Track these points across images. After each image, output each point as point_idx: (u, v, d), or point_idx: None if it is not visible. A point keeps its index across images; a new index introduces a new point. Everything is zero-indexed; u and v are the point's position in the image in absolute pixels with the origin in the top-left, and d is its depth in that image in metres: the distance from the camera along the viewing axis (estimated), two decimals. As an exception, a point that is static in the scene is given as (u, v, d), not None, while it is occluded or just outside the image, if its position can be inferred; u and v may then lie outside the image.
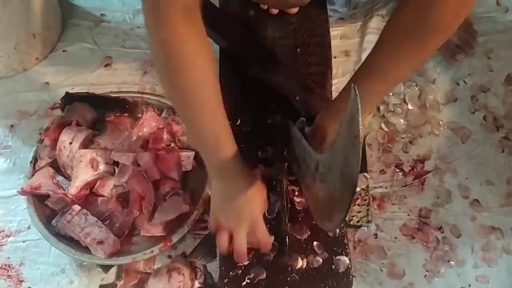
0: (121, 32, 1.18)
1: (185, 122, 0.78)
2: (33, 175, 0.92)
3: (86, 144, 0.91)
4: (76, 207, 0.88)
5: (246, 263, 0.86)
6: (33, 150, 0.95)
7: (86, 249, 0.88)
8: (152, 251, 0.88)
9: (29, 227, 0.96)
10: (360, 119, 0.47)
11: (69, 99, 0.98)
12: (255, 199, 0.79)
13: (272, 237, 0.81)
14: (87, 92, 1.01)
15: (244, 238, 0.78)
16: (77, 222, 0.87)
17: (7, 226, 0.97)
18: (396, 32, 0.67)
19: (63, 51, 1.16)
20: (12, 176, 1.01)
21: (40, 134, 1.04)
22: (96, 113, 0.97)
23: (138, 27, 1.19)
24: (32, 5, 1.04)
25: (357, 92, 0.49)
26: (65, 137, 0.91)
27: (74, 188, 0.89)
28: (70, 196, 0.88)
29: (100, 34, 1.18)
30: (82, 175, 0.89)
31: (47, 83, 1.11)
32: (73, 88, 1.09)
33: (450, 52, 1.12)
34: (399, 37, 0.66)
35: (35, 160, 0.94)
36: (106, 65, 1.14)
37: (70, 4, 1.21)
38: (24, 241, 0.96)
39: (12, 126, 1.06)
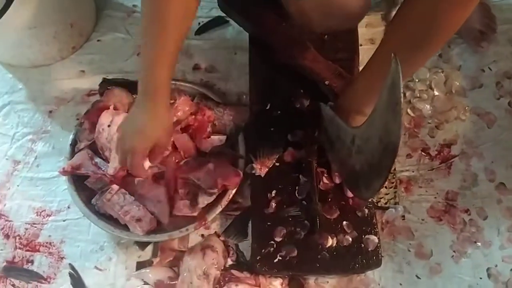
0: (153, 22, 1.22)
1: (143, 34, 0.78)
2: (72, 156, 0.96)
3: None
4: (115, 187, 0.92)
5: (278, 240, 0.89)
6: (73, 133, 0.99)
7: (124, 227, 0.92)
8: (187, 230, 0.91)
9: (68, 207, 1.01)
10: (401, 87, 0.50)
11: (107, 84, 1.02)
12: (150, 133, 0.80)
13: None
14: (123, 78, 1.05)
15: (123, 157, 0.81)
16: (116, 201, 0.91)
17: (48, 206, 1.02)
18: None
19: (98, 40, 1.20)
20: (51, 159, 1.06)
21: (77, 119, 1.09)
22: (132, 98, 1.01)
23: (169, 17, 1.23)
24: (70, -3, 1.09)
25: (398, 61, 0.52)
26: (103, 120, 0.95)
27: (112, 168, 0.92)
28: (109, 176, 0.92)
29: (132, 24, 1.22)
30: (116, 158, 0.93)
31: (83, 71, 1.16)
32: (107, 76, 1.12)
33: (474, 40, 1.14)
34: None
35: (74, 142, 0.98)
36: (138, 54, 1.17)
37: (104, -4, 1.25)
38: (64, 220, 1.00)
39: (50, 112, 1.11)
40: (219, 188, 0.92)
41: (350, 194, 0.89)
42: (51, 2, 1.04)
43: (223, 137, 0.99)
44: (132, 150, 0.80)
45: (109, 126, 0.94)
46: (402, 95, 0.50)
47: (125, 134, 0.82)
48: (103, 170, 0.94)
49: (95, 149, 0.98)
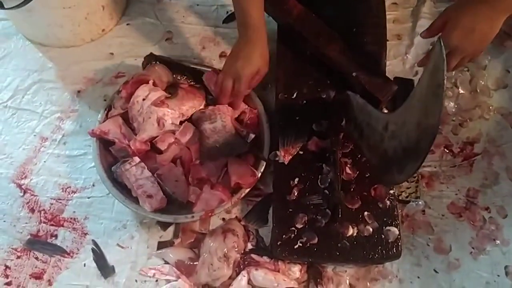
0: (182, 8, 1.24)
1: None
2: (104, 121, 0.99)
3: (157, 103, 0.97)
4: (136, 159, 0.94)
5: (299, 227, 0.90)
6: (109, 99, 1.01)
7: (135, 200, 0.93)
8: (192, 216, 0.91)
9: (93, 185, 1.03)
10: (445, 69, 0.51)
11: (152, 58, 1.04)
12: (254, 60, 0.94)
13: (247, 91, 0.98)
14: (168, 57, 1.07)
15: (229, 82, 0.95)
16: (134, 172, 0.93)
17: (73, 183, 1.04)
18: None
19: (127, 24, 1.22)
20: (78, 137, 1.08)
21: (104, 100, 1.11)
22: (172, 77, 1.03)
23: (198, 5, 1.24)
24: (104, -22, 1.11)
25: (442, 44, 0.52)
26: (140, 92, 0.97)
27: (138, 140, 0.95)
28: (133, 148, 0.94)
29: (162, 10, 1.23)
30: (148, 130, 0.95)
31: (112, 53, 1.17)
32: (136, 59, 1.15)
33: (499, 39, 1.14)
34: None
35: (109, 108, 1.00)
36: (167, 39, 1.19)
37: (135, -20, 1.27)
38: (88, 197, 1.02)
39: (79, 91, 1.13)
40: (232, 186, 0.94)
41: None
42: (86, -17, 1.06)
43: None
44: (239, 75, 0.94)
45: (143, 99, 0.96)
46: (445, 77, 0.51)
47: (232, 61, 0.95)
48: (129, 141, 0.95)
49: (126, 118, 1.00)
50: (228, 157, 0.96)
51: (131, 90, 0.97)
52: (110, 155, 0.97)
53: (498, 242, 0.95)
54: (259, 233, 0.98)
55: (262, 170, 0.96)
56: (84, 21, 1.12)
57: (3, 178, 1.04)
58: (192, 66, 1.06)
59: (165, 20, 1.22)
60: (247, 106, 1.02)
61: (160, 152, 0.97)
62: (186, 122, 0.98)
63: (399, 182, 0.88)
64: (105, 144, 0.98)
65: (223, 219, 0.99)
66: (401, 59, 1.15)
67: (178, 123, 0.97)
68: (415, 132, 0.59)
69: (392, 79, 1.05)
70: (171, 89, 1.00)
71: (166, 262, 0.95)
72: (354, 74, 0.97)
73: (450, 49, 0.84)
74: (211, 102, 1.03)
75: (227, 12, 1.23)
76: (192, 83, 1.05)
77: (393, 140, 0.66)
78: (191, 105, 0.99)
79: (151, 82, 0.97)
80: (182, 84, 1.02)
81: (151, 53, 1.05)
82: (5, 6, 1.03)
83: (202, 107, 1.01)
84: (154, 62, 1.03)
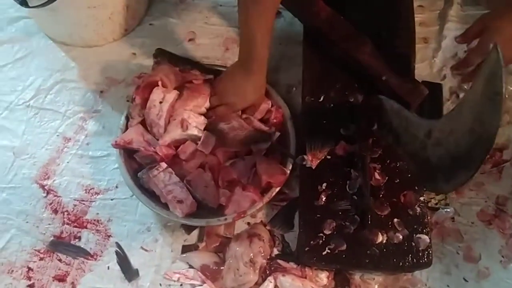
0: (205, 9, 1.22)
1: (242, 18, 0.89)
2: (125, 131, 0.97)
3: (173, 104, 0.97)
4: (164, 164, 0.93)
5: (327, 233, 0.89)
6: (127, 107, 1.00)
7: (164, 206, 0.92)
8: (226, 219, 0.90)
9: (117, 187, 1.02)
10: (503, 77, 0.49)
11: (160, 53, 1.04)
12: (250, 97, 0.97)
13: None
14: (175, 54, 1.07)
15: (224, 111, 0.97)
16: (162, 178, 0.92)
17: (97, 184, 1.03)
18: None
19: (150, 24, 1.20)
20: (101, 138, 1.07)
21: (127, 100, 1.10)
22: (180, 75, 1.01)
23: (221, 5, 1.23)
24: (128, -22, 1.10)
25: (499, 50, 0.51)
26: (155, 96, 0.95)
27: (162, 141, 0.93)
28: (160, 154, 0.93)
29: (185, 10, 1.22)
30: (171, 132, 0.94)
31: (134, 53, 1.16)
32: (158, 59, 1.13)
33: None
34: None
35: (127, 118, 0.99)
36: (189, 40, 1.18)
37: (157, -20, 1.26)
38: (112, 199, 1.01)
39: (101, 92, 1.12)
40: (263, 185, 0.93)
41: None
42: (111, -17, 1.05)
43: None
44: (231, 105, 0.97)
45: (160, 102, 0.95)
46: (503, 85, 0.50)
47: (227, 91, 0.97)
48: (154, 148, 0.94)
49: (145, 125, 0.98)
50: (254, 152, 0.96)
51: (144, 95, 0.96)
52: (134, 161, 0.96)
53: (528, 251, 0.94)
54: (285, 238, 0.96)
55: (290, 168, 0.95)
56: (108, 21, 1.11)
57: (26, 178, 1.03)
58: (205, 64, 1.07)
59: (188, 20, 1.21)
60: (273, 105, 1.01)
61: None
62: (205, 132, 0.96)
63: (446, 191, 0.86)
64: (128, 153, 0.96)
65: (248, 223, 0.98)
66: (428, 63, 1.13)
67: (202, 128, 0.96)
68: (467, 140, 0.57)
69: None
70: (178, 89, 0.99)
71: (191, 266, 0.94)
72: (383, 77, 0.95)
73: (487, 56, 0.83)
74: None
75: (251, 13, 1.21)
76: (200, 76, 1.03)
77: (438, 147, 0.65)
78: (195, 104, 0.98)
79: (160, 83, 0.96)
80: (187, 84, 1.01)
81: (159, 48, 1.05)
82: (30, 5, 1.02)
83: (207, 103, 0.99)
84: (158, 59, 1.03)
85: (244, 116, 1.00)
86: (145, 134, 0.97)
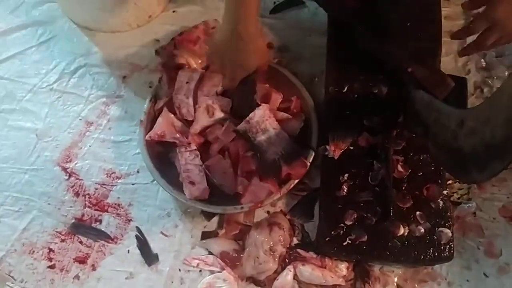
0: (229, -3, 1.22)
1: None
2: (150, 113, 0.99)
3: (200, 84, 0.98)
4: (193, 146, 0.93)
5: (349, 223, 0.89)
6: (150, 92, 1.01)
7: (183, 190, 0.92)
8: (242, 207, 0.91)
9: (138, 171, 1.02)
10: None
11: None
12: (253, 64, 0.88)
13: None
14: None
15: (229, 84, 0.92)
16: (186, 156, 0.93)
17: (118, 168, 1.03)
18: None
19: (173, 11, 1.20)
20: (123, 123, 1.07)
21: (150, 87, 1.10)
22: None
23: (245, -6, 1.22)
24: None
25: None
26: (182, 77, 0.97)
27: (193, 130, 0.95)
28: (192, 143, 0.94)
29: (208, -3, 1.22)
30: (200, 120, 0.95)
31: (158, 40, 1.16)
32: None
33: None
34: None
35: (154, 98, 1.00)
36: (213, 27, 1.16)
37: (183, -33, 1.25)
38: (133, 184, 1.01)
39: (124, 77, 1.12)
40: (283, 176, 0.92)
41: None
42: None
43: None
44: (233, 76, 0.89)
45: (187, 82, 0.97)
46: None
47: (226, 61, 0.87)
48: (187, 138, 0.95)
49: (171, 107, 0.99)
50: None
51: (171, 74, 0.99)
52: (159, 144, 0.97)
53: (551, 248, 0.93)
54: (305, 228, 0.96)
55: (311, 160, 0.94)
56: (133, 6, 1.11)
57: (48, 161, 1.04)
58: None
59: (212, 8, 1.20)
60: (293, 95, 1.01)
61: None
62: (227, 122, 0.95)
63: (480, 181, 0.86)
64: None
65: (268, 212, 0.98)
66: (453, 57, 1.12)
67: (228, 111, 0.96)
68: (504, 129, 0.57)
69: (447, 76, 1.03)
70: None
71: (210, 253, 0.95)
72: (409, 69, 0.94)
73: (491, 23, 0.84)
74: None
75: (274, 3, 1.21)
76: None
77: (472, 137, 0.64)
78: (212, 83, 0.98)
79: (186, 67, 0.99)
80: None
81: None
82: (56, -11, 1.03)
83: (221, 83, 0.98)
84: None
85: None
86: (175, 121, 0.97)
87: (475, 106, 0.67)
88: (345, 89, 1.00)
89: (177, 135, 0.96)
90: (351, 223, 0.89)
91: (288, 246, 0.93)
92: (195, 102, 0.98)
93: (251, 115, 0.92)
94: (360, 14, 1.01)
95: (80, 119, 1.08)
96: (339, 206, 0.91)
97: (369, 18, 1.01)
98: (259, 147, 0.91)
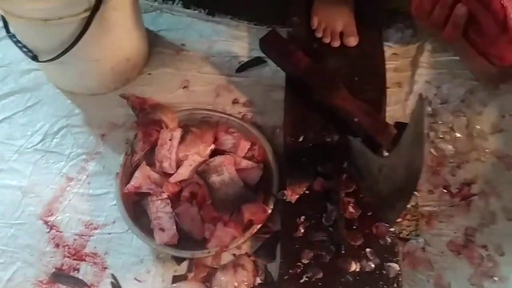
0: (199, 59, 1.35)
1: None
2: (126, 166, 1.09)
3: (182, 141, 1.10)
4: (165, 195, 1.03)
5: (305, 262, 0.96)
6: (129, 144, 1.13)
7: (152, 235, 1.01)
8: (209, 252, 0.99)
9: (114, 222, 1.10)
10: (425, 121, 0.59)
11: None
12: None
13: None
14: None
15: None
16: (158, 204, 1.02)
17: (95, 220, 1.11)
18: None
19: (148, 74, 1.33)
20: (101, 178, 1.16)
21: (126, 143, 1.20)
22: (176, 112, 1.15)
23: (213, 56, 1.35)
24: (129, 35, 1.23)
25: (422, 99, 0.61)
26: (164, 135, 1.09)
27: (173, 178, 1.05)
28: (166, 192, 1.04)
29: (180, 60, 1.34)
30: (181, 174, 1.06)
31: (134, 100, 1.28)
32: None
33: (493, 83, 1.21)
34: None
35: (130, 153, 1.11)
36: (184, 87, 1.29)
37: (156, 35, 1.39)
38: (109, 234, 1.09)
39: (103, 135, 1.23)
40: (245, 222, 1.01)
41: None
42: (113, 39, 1.17)
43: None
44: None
45: (170, 140, 1.08)
46: (425, 128, 0.59)
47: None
48: (162, 188, 1.05)
49: (148, 160, 1.10)
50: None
51: (145, 130, 1.10)
52: (135, 193, 1.07)
53: (496, 279, 0.99)
54: (268, 268, 1.03)
55: (272, 206, 1.03)
56: (110, 71, 1.23)
57: (32, 215, 1.13)
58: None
59: (183, 70, 1.33)
60: (256, 144, 1.12)
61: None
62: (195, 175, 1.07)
63: (391, 220, 0.94)
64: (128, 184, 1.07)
65: (234, 254, 1.05)
66: (401, 105, 1.23)
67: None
68: (404, 174, 0.66)
69: (394, 123, 1.13)
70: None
71: (180, 295, 1.02)
72: (356, 119, 1.05)
73: None
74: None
75: (239, 63, 1.33)
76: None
77: (387, 181, 0.74)
78: (196, 150, 1.09)
79: (163, 124, 1.09)
80: (193, 128, 1.12)
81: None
82: (40, 59, 1.16)
83: (208, 152, 1.10)
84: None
85: (229, 154, 1.09)
86: (152, 174, 1.07)
87: (389, 155, 0.77)
88: (301, 139, 1.11)
89: (153, 186, 1.05)
90: (307, 261, 0.97)
91: (252, 286, 1.00)
92: (177, 157, 1.09)
93: (211, 159, 1.05)
94: (312, 72, 1.13)
95: (62, 176, 1.18)
96: (297, 246, 0.99)
97: (319, 75, 1.12)
98: (211, 186, 1.03)
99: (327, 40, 1.20)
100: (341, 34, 1.20)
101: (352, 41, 1.19)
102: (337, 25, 1.19)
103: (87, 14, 1.03)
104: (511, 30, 0.75)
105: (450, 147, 1.15)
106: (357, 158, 0.91)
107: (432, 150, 1.15)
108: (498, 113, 1.20)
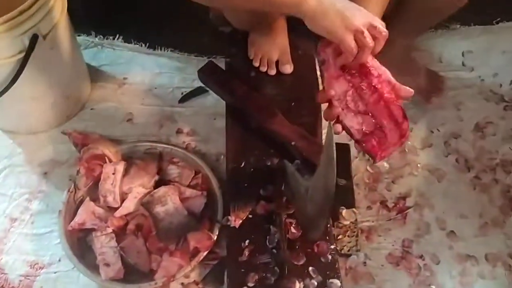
0: (141, 92, 1.37)
1: None
2: (69, 203, 1.09)
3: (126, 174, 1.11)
4: (109, 229, 1.03)
5: (251, 285, 0.98)
6: (72, 181, 1.13)
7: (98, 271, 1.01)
8: (156, 283, 1.00)
9: (59, 260, 1.10)
10: (334, 147, 0.64)
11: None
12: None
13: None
14: None
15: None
16: (102, 240, 1.03)
17: (41, 259, 1.10)
18: None
19: (91, 109, 1.34)
20: (45, 216, 1.16)
21: (70, 180, 1.20)
22: (117, 146, 1.16)
23: (156, 88, 1.38)
24: (68, 72, 1.24)
25: (332, 127, 0.66)
26: (108, 169, 1.09)
27: (118, 213, 1.06)
28: (111, 227, 1.04)
29: (123, 94, 1.36)
30: (127, 207, 1.07)
31: (77, 135, 1.28)
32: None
33: (424, 98, 1.29)
34: None
35: (72, 189, 1.11)
36: (128, 120, 1.31)
37: (97, 70, 1.41)
38: (55, 272, 1.09)
39: (45, 173, 1.22)
40: (191, 250, 1.03)
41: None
42: (50, 77, 1.18)
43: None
44: (366, 24, 0.80)
45: (113, 174, 1.09)
46: (335, 152, 0.64)
47: (349, 15, 0.80)
48: (106, 223, 1.05)
49: (93, 197, 1.10)
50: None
51: (88, 166, 1.10)
52: (79, 230, 1.07)
53: (433, 287, 1.05)
54: (216, 294, 1.05)
55: (217, 233, 1.05)
56: (50, 109, 1.24)
57: (-24, 259, 1.11)
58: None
59: (126, 103, 1.35)
60: (200, 172, 1.15)
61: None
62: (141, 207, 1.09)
63: (316, 237, 0.98)
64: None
65: (183, 283, 1.07)
66: (339, 127, 1.29)
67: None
68: (323, 195, 0.71)
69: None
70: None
71: (130, 329, 1.01)
72: (292, 143, 1.10)
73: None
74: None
75: (182, 93, 1.36)
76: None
77: (312, 202, 0.78)
78: (141, 182, 1.10)
79: (106, 158, 1.10)
80: (136, 160, 1.14)
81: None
82: (-23, 101, 1.15)
83: (152, 183, 1.11)
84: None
85: (174, 183, 1.11)
86: (96, 209, 1.08)
87: (311, 177, 0.82)
88: (243, 164, 1.14)
89: (97, 221, 1.06)
90: (253, 284, 0.99)
91: (201, 313, 1.02)
92: (121, 190, 1.10)
93: (155, 190, 1.07)
94: (248, 99, 1.17)
95: (5, 217, 1.16)
96: (242, 270, 1.01)
97: (255, 102, 1.17)
98: (156, 216, 1.04)
99: (264, 68, 1.25)
100: (277, 62, 1.25)
101: (288, 68, 1.24)
102: (273, 54, 1.24)
103: (22, 55, 1.04)
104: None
105: (385, 163, 1.22)
106: (290, 181, 0.95)
107: (368, 168, 1.21)
108: (427, 129, 1.28)
